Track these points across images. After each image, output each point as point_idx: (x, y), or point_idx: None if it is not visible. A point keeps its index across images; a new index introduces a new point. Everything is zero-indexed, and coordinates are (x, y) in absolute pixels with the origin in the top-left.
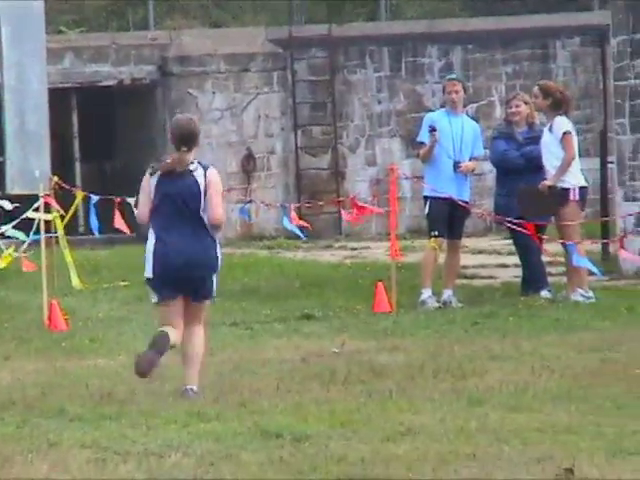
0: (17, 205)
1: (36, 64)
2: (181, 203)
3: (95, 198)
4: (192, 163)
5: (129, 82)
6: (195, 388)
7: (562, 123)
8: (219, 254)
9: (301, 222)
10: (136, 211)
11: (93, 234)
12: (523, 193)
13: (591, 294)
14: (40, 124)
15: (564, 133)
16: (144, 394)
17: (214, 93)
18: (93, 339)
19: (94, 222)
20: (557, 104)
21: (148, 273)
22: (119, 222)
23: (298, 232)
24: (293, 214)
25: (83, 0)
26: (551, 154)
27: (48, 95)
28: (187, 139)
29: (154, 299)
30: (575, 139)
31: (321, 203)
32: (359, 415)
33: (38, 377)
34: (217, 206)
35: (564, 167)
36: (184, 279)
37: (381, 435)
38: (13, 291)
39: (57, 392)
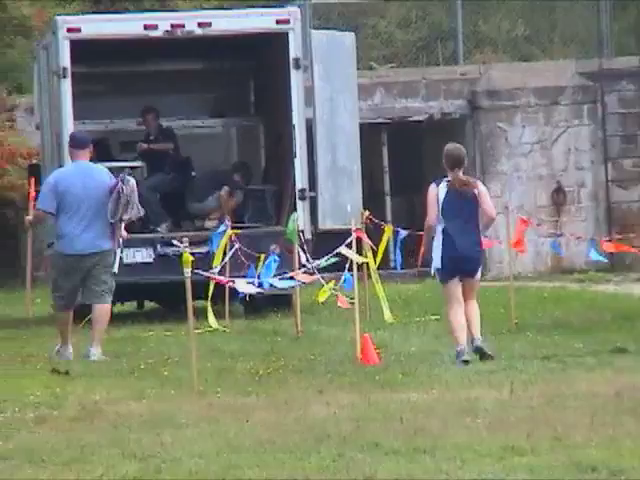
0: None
1: (347, 99)
2: (464, 209)
3: (403, 233)
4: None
5: (439, 117)
6: (480, 337)
7: None
8: (483, 247)
9: (622, 247)
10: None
11: (403, 268)
12: None
13: None
14: (351, 159)
15: None
16: (457, 428)
17: (524, 127)
18: (406, 373)
19: (398, 258)
20: None
21: (437, 264)
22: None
23: (604, 259)
24: (604, 242)
25: (393, 36)
26: None
27: (359, 130)
28: (458, 162)
29: (440, 279)
30: None
31: (632, 235)
32: None
33: (352, 410)
34: (490, 207)
35: None
36: (462, 266)
37: None
38: (325, 325)
39: (371, 426)
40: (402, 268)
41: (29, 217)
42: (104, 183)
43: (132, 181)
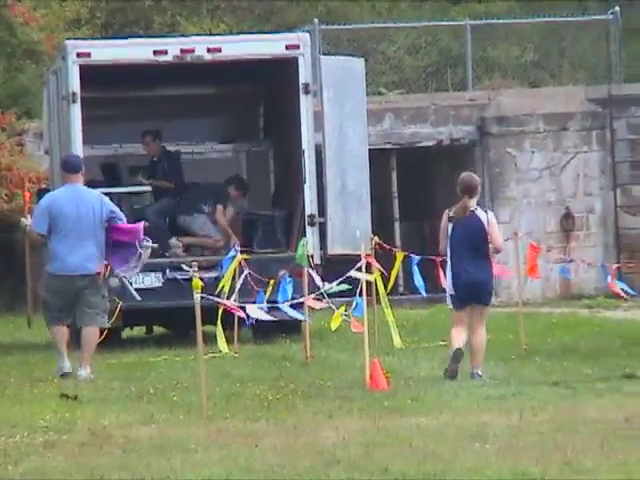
0: None
1: (357, 125)
2: (469, 237)
3: (417, 258)
4: (475, 208)
5: (448, 142)
6: (480, 372)
7: None
8: (493, 275)
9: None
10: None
11: (414, 293)
12: None
13: None
14: (361, 184)
15: None
16: (467, 453)
17: (533, 152)
18: (415, 398)
19: (419, 282)
20: None
21: (450, 290)
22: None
23: (628, 290)
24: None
25: (402, 62)
26: None
27: (368, 155)
28: (470, 189)
29: (450, 305)
30: None
31: None
32: None
33: (362, 436)
34: (498, 238)
35: None
36: (471, 293)
37: None
38: (334, 350)
39: (381, 451)
40: (427, 292)
41: (25, 220)
42: (95, 206)
43: (149, 248)
